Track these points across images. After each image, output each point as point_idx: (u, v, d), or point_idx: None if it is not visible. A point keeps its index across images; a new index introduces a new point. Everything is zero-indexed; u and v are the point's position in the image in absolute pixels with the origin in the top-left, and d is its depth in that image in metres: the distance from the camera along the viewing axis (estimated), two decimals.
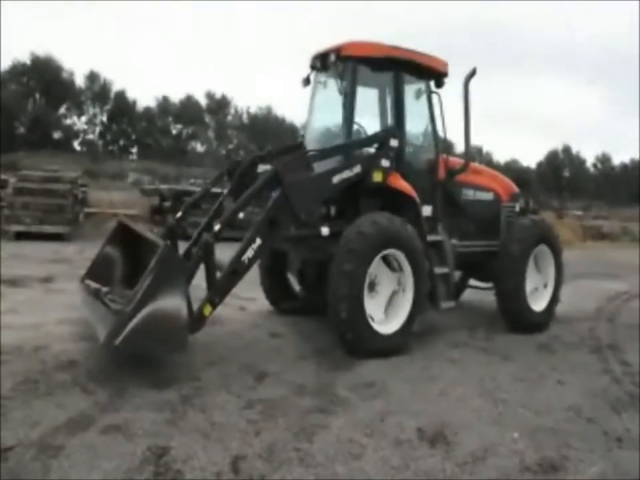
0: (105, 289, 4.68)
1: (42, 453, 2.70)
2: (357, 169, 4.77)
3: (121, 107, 55.63)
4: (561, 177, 77.69)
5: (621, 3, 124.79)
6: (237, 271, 4.13)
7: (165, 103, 59.72)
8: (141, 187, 19.13)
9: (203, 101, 63.08)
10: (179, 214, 5.28)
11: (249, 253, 4.17)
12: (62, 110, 53.75)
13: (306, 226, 4.87)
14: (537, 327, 5.81)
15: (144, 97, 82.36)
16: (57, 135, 51.73)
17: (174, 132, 61.06)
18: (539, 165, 79.06)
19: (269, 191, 4.43)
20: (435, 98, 5.45)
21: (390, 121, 5.35)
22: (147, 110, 58.15)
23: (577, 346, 5.45)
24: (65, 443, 2.81)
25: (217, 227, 4.18)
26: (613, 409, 3.83)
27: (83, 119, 56.24)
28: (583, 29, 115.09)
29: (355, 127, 5.19)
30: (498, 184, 6.22)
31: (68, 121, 54.70)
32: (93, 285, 4.89)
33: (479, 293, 6.67)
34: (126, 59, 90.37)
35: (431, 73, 5.39)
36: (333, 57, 4.99)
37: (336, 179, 4.66)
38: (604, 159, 78.90)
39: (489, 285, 6.08)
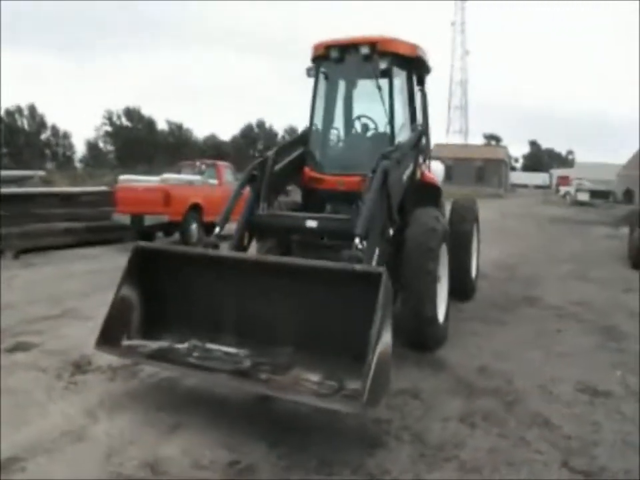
0: (181, 346, 3.66)
1: None
2: (411, 166, 4.95)
3: None
4: (255, 149, 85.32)
5: None
6: None
7: None
8: None
9: None
10: (217, 229, 4.35)
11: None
12: None
13: None
14: (472, 292, 7.02)
15: None
16: None
17: None
18: (234, 138, 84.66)
19: None
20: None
21: (403, 119, 5.42)
22: None
23: (516, 304, 6.98)
24: None
25: (357, 241, 3.72)
26: (614, 341, 5.31)
27: None
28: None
29: (365, 120, 5.25)
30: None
31: None
32: (147, 344, 3.74)
33: None
34: None
35: (424, 69, 5.70)
36: (366, 50, 4.88)
37: (404, 176, 4.76)
38: (291, 131, 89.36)
39: None
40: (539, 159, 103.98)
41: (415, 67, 5.41)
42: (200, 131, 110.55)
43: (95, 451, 3.04)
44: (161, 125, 69.01)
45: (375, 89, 5.06)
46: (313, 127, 5.40)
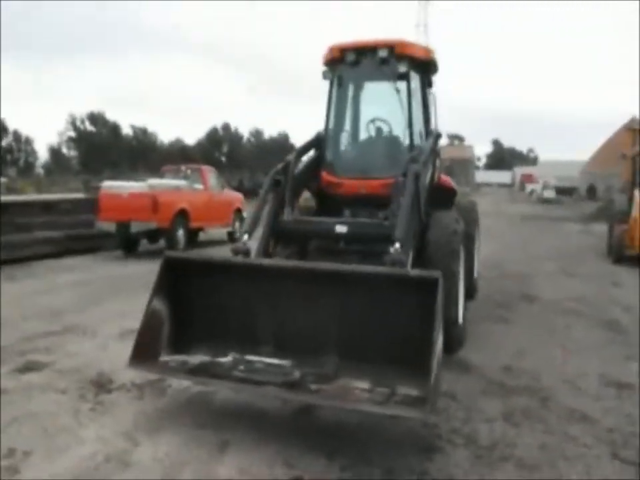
0: (224, 360, 3.55)
1: None
2: (431, 169, 5.00)
3: None
4: (221, 152, 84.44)
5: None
6: None
7: None
8: None
9: None
10: (245, 236, 4.17)
11: None
12: None
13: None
14: (475, 292, 7.12)
15: None
16: None
17: None
18: (199, 141, 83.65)
19: None
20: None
21: (417, 122, 5.32)
22: None
23: (516, 301, 7.21)
24: None
25: (397, 245, 3.61)
26: (619, 335, 5.59)
27: None
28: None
29: (379, 123, 5.29)
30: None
31: None
32: (186, 359, 3.63)
33: None
34: None
35: (434, 71, 5.67)
36: (384, 54, 4.87)
37: (427, 180, 4.77)
38: (257, 133, 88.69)
39: None
40: (501, 157, 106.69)
41: (427, 70, 5.44)
42: (165, 135, 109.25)
43: (147, 477, 2.89)
44: (126, 130, 67.50)
45: (389, 92, 5.08)
46: (329, 131, 5.32)
